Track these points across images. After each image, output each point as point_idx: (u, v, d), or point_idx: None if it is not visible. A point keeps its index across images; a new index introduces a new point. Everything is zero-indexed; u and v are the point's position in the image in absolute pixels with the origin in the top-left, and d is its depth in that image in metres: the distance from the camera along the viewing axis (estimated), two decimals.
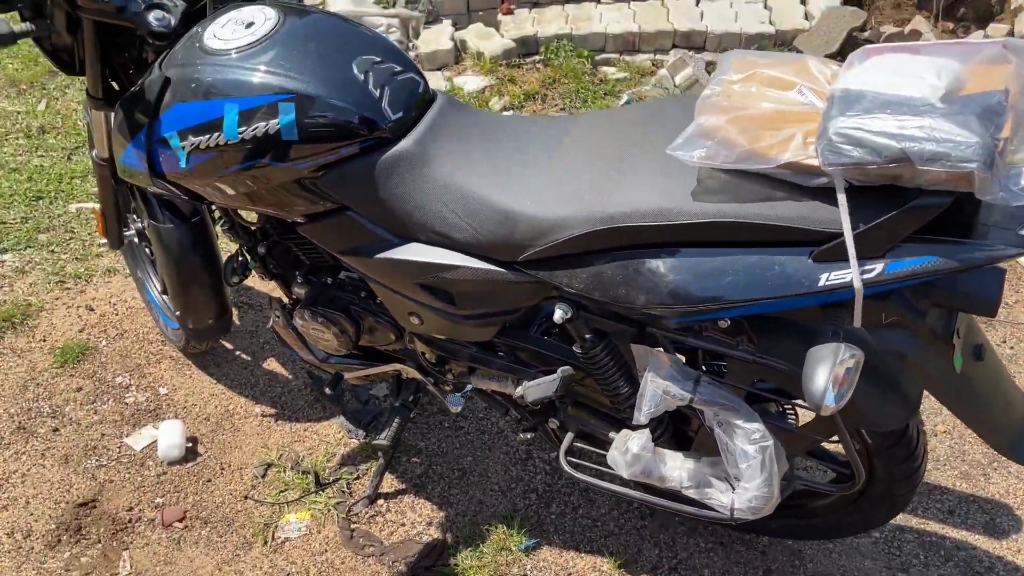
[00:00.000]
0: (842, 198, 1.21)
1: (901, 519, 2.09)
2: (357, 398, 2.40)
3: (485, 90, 3.88)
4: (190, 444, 2.30)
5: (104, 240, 2.33)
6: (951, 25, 4.51)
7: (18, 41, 1.69)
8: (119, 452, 2.30)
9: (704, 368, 1.65)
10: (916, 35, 4.28)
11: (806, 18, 4.23)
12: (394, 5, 4.32)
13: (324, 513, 2.13)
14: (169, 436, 2.28)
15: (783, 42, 4.14)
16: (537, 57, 4.10)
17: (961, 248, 1.19)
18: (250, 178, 1.61)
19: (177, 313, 2.29)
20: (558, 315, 1.54)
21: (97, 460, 2.27)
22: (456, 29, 4.23)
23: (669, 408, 1.50)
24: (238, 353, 2.59)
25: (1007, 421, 1.51)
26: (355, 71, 1.57)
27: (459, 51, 4.15)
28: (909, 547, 2.06)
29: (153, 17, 1.70)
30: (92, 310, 2.72)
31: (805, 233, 1.25)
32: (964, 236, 1.21)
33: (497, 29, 4.22)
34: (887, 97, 1.18)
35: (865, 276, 1.22)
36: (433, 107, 1.65)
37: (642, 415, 1.49)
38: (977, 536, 2.08)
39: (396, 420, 2.06)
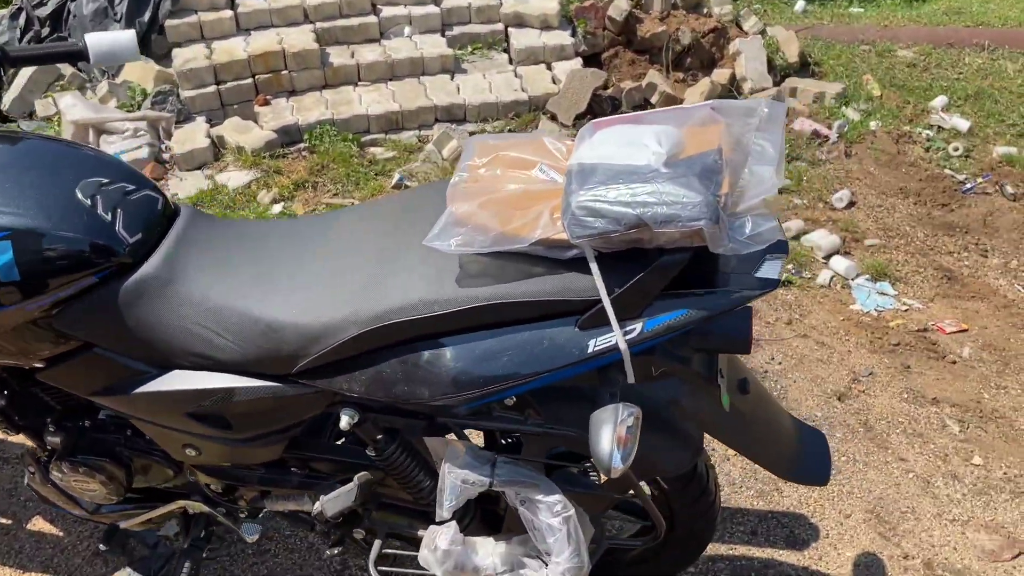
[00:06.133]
0: (594, 267, 1.25)
1: (711, 549, 2.18)
2: (144, 543, 2.17)
3: (251, 184, 3.76)
4: None
5: None
6: (681, 75, 4.96)
7: None
8: None
9: (505, 442, 1.65)
10: (652, 87, 4.66)
11: (553, 82, 4.48)
12: (140, 108, 4.11)
13: None
14: None
15: (537, 106, 4.36)
16: (302, 145, 4.05)
17: (706, 298, 1.27)
18: None
19: None
20: (344, 422, 1.47)
21: None
22: (212, 125, 4.09)
23: (471, 496, 1.47)
24: None
25: (780, 446, 1.62)
26: (80, 196, 1.45)
27: (217, 147, 4.01)
28: (723, 575, 2.15)
29: None
30: None
31: (568, 304, 1.28)
32: (709, 285, 1.29)
33: (256, 121, 4.12)
34: (618, 168, 1.24)
35: (628, 336, 1.27)
36: (177, 222, 1.55)
37: (444, 509, 1.45)
38: (781, 551, 2.21)
39: (187, 563, 1.88)
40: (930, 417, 2.68)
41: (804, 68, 5.14)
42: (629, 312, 1.27)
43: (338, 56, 4.41)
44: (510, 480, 1.45)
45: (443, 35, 4.70)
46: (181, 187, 3.76)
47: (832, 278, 3.34)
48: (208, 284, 1.47)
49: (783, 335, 3.04)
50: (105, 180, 1.50)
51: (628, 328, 1.28)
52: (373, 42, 4.57)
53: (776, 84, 4.86)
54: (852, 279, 3.35)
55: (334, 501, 1.61)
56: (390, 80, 4.44)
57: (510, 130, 4.26)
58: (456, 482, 1.44)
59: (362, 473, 1.60)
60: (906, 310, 3.20)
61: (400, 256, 1.40)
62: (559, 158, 1.36)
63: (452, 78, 4.48)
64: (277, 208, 3.59)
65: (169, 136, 4.02)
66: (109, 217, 1.45)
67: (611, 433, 1.26)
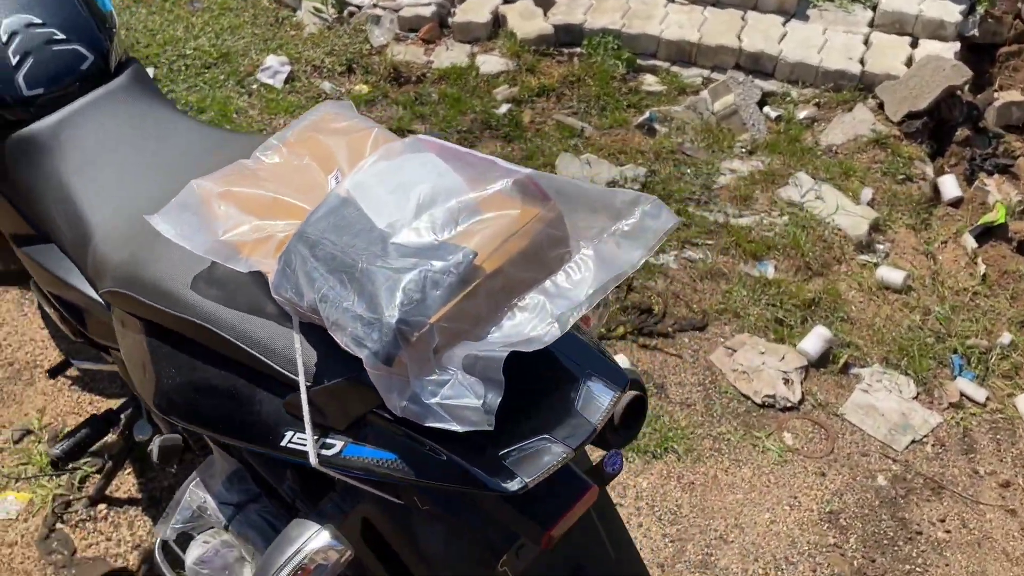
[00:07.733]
0: (297, 339, 0.85)
1: None
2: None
3: (500, 76, 3.52)
4: None
5: None
6: None
7: None
8: None
9: None
10: None
11: (908, 64, 3.52)
12: None
13: (44, 500, 1.96)
14: None
15: (867, 86, 3.47)
16: (577, 50, 3.68)
17: (427, 457, 0.81)
18: None
19: None
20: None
21: None
22: (506, 2, 3.87)
23: (202, 529, 1.18)
24: None
25: None
26: None
27: (497, 26, 3.79)
28: None
29: None
30: None
31: (271, 369, 0.90)
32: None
33: (546, 11, 3.81)
34: (360, 215, 0.80)
35: (323, 452, 0.86)
36: (103, 88, 1.38)
37: (168, 527, 1.18)
38: None
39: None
40: None
41: None
42: (336, 420, 0.86)
43: None
44: (245, 535, 1.14)
45: None
46: (442, 56, 3.64)
47: None
48: (77, 166, 1.30)
49: (983, 497, 2.16)
50: (37, 21, 1.36)
51: (327, 441, 0.87)
52: None
53: None
54: None
55: (158, 449, 1.42)
56: (713, 5, 3.81)
57: (816, 104, 3.46)
58: (192, 504, 1.16)
59: (167, 436, 1.38)
60: None
61: None
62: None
63: (785, 23, 3.73)
64: (503, 109, 3.32)
65: (462, 1, 3.89)
66: (15, 61, 1.32)
67: (281, 562, 0.90)
